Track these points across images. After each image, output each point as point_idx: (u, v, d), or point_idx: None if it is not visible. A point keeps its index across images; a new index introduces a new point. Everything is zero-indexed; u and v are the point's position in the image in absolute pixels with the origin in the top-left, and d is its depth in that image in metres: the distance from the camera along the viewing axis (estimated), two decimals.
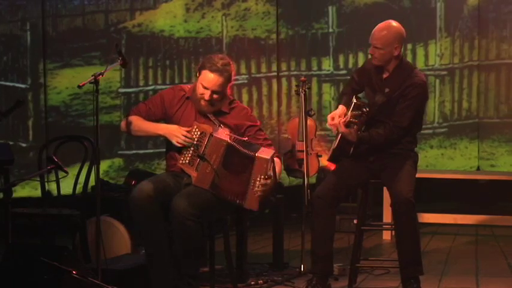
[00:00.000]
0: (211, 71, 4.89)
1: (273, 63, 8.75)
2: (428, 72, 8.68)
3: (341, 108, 5.02)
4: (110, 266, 4.80)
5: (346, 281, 5.23)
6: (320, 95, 8.90)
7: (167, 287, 4.77)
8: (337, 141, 4.99)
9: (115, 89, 8.27)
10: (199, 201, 4.67)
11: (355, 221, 5.47)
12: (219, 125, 4.93)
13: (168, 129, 4.93)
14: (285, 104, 8.74)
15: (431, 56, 8.81)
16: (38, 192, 6.14)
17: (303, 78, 6.25)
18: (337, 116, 4.96)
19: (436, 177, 7.98)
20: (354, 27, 8.79)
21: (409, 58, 8.51)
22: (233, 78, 5.00)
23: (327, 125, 5.09)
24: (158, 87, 8.29)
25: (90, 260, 5.48)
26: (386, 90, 4.98)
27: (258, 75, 8.66)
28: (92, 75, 4.71)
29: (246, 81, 8.64)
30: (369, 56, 5.13)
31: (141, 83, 8.37)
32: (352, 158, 5.02)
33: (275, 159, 4.92)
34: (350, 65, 8.84)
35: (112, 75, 8.19)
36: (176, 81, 8.41)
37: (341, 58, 8.90)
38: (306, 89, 6.09)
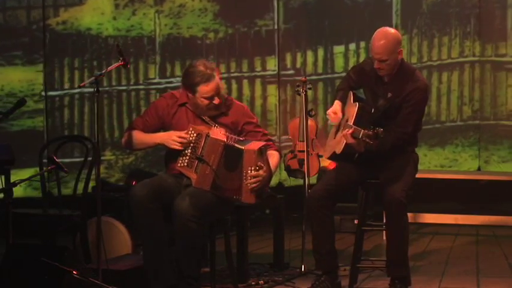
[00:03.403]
0: (207, 81, 4.90)
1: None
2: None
3: (337, 104, 5.03)
4: (110, 266, 4.80)
5: (347, 281, 5.22)
6: (264, 97, 8.27)
7: (164, 285, 4.77)
8: (342, 147, 4.92)
9: (38, 92, 7.77)
10: (201, 203, 4.69)
11: (355, 221, 5.47)
12: (215, 125, 4.95)
13: (164, 136, 4.97)
14: None
15: None
16: (38, 192, 6.11)
17: (303, 78, 6.24)
18: (338, 111, 4.95)
19: (436, 178, 7.97)
20: (302, 23, 8.26)
21: (362, 57, 7.98)
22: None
23: (330, 122, 5.03)
24: (85, 90, 7.74)
25: (90, 260, 5.48)
26: (389, 95, 4.95)
27: None
28: (93, 76, 4.72)
29: (180, 83, 7.94)
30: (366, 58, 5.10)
31: (66, 85, 7.86)
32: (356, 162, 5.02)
33: (272, 151, 4.98)
34: (298, 65, 8.27)
35: (35, 76, 7.73)
36: (105, 84, 7.85)
37: (288, 57, 8.26)
38: (307, 89, 6.09)
